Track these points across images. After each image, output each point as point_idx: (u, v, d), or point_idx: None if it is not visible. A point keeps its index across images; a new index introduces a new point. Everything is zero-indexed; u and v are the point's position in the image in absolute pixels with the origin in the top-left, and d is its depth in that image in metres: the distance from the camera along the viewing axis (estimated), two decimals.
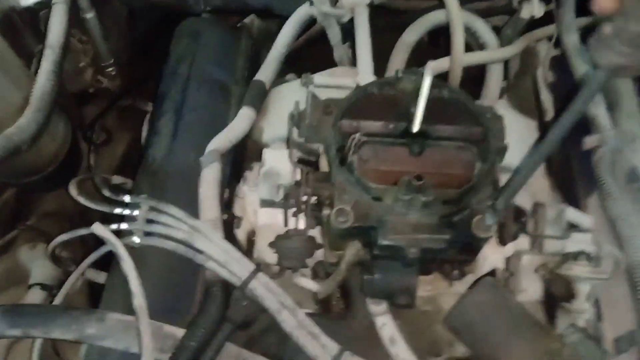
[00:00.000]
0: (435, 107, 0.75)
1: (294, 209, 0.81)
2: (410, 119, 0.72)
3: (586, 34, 0.68)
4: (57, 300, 0.92)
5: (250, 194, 0.92)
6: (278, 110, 0.99)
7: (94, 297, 1.14)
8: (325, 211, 0.77)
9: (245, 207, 0.94)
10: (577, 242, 0.75)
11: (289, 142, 0.80)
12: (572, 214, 0.73)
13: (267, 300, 0.74)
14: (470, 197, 0.70)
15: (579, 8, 0.95)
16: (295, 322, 0.72)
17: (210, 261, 0.77)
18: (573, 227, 0.76)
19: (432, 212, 0.69)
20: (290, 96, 0.89)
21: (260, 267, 0.79)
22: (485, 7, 1.19)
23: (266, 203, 0.85)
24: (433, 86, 0.79)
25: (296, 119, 0.80)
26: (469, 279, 0.78)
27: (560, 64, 1.02)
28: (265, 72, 1.02)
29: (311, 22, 1.11)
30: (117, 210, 0.85)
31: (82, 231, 0.88)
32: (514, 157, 0.69)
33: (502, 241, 0.76)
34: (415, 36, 1.13)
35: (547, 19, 1.11)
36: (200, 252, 0.78)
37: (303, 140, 0.81)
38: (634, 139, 0.81)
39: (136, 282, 0.77)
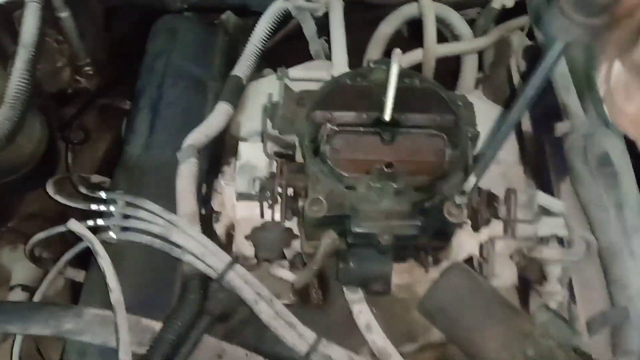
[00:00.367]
0: (407, 96, 0.76)
1: (270, 201, 0.81)
2: (382, 108, 0.73)
3: None
4: (36, 298, 0.92)
5: (228, 188, 0.92)
6: (255, 104, 0.99)
7: (76, 297, 1.14)
8: (301, 202, 0.77)
9: (224, 201, 0.94)
10: (549, 226, 0.76)
11: (263, 135, 0.81)
12: (543, 198, 0.74)
13: (244, 292, 0.74)
14: (442, 184, 0.70)
15: None
16: (273, 312, 0.73)
17: (187, 254, 0.78)
18: (546, 212, 0.77)
19: (404, 199, 0.69)
20: (267, 91, 0.89)
21: (238, 259, 0.80)
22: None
23: (243, 196, 0.86)
24: (405, 76, 0.80)
25: (270, 111, 0.80)
26: (445, 265, 0.79)
27: (534, 53, 1.04)
28: (242, 67, 1.02)
29: (289, 17, 1.11)
30: (94, 207, 0.85)
31: (58, 229, 0.88)
32: None
33: (476, 227, 0.77)
34: (390, 29, 1.14)
35: (521, 9, 1.12)
36: (177, 245, 0.79)
37: (277, 132, 0.81)
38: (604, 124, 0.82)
39: (113, 277, 0.77)
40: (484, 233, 0.81)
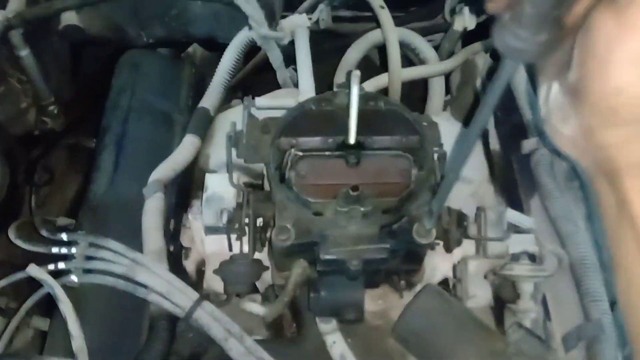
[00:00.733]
0: (371, 119, 0.75)
1: (239, 233, 0.79)
2: (347, 132, 0.72)
3: None
4: None
5: (196, 222, 0.89)
6: (224, 136, 0.97)
7: None
8: (270, 232, 0.75)
9: (193, 236, 0.91)
10: (519, 243, 0.75)
11: (227, 165, 0.79)
12: (512, 215, 0.73)
13: (213, 330, 0.71)
14: (409, 205, 0.69)
15: None
16: (243, 349, 0.70)
17: (152, 294, 0.74)
18: (516, 229, 0.76)
19: (373, 222, 0.68)
20: (235, 121, 0.88)
21: (208, 295, 0.77)
22: (424, 26, 1.23)
23: (211, 230, 0.83)
24: (369, 99, 0.79)
25: (234, 139, 0.79)
26: (418, 289, 0.77)
27: None
28: (209, 99, 1.02)
29: (257, 48, 1.12)
30: (54, 250, 0.82)
31: (18, 275, 0.84)
32: None
33: (448, 248, 0.75)
34: (357, 54, 1.15)
35: (485, 31, 1.14)
36: (142, 285, 0.76)
37: (242, 160, 0.79)
38: None
39: (75, 323, 0.73)
40: (457, 254, 0.79)
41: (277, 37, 1.06)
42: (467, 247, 0.78)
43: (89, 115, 1.26)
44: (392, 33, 1.08)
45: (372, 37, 1.14)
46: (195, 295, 0.73)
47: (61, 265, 0.79)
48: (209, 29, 1.18)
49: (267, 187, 0.85)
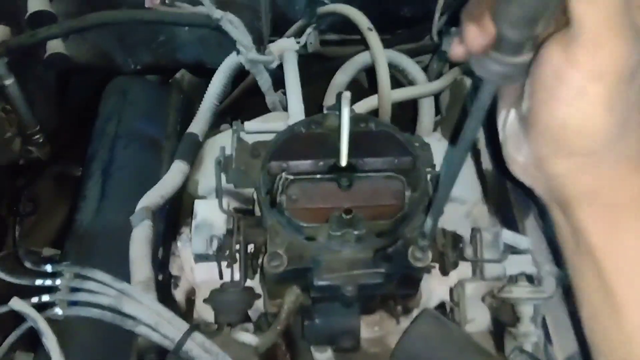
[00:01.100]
0: (363, 141, 0.74)
1: (229, 260, 0.77)
2: (338, 154, 0.71)
3: None
4: None
5: (185, 250, 0.87)
6: (213, 161, 0.96)
7: None
8: (262, 259, 0.73)
9: (182, 264, 0.89)
10: (517, 264, 0.74)
11: (217, 190, 0.77)
12: (508, 235, 0.72)
13: None
14: (404, 227, 0.68)
15: None
16: None
17: (141, 326, 0.72)
18: (513, 249, 0.75)
19: (367, 246, 0.66)
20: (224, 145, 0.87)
21: (199, 326, 0.74)
22: (412, 47, 1.23)
23: (200, 257, 0.81)
24: (360, 120, 0.79)
25: (223, 164, 0.77)
26: (415, 314, 0.75)
27: None
28: (198, 124, 1.00)
29: (246, 72, 1.11)
30: (38, 282, 0.79)
31: (1, 309, 0.81)
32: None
33: (444, 271, 0.73)
34: (346, 77, 1.15)
35: None
36: (130, 317, 0.73)
37: (232, 185, 0.78)
38: None
39: (59, 358, 0.70)
40: (453, 276, 0.77)
41: (265, 61, 1.06)
42: (464, 269, 0.77)
43: (75, 143, 1.24)
44: (381, 54, 1.08)
45: (360, 59, 1.15)
46: (185, 326, 0.71)
47: (45, 297, 0.76)
48: (197, 55, 1.17)
49: (257, 212, 0.83)
